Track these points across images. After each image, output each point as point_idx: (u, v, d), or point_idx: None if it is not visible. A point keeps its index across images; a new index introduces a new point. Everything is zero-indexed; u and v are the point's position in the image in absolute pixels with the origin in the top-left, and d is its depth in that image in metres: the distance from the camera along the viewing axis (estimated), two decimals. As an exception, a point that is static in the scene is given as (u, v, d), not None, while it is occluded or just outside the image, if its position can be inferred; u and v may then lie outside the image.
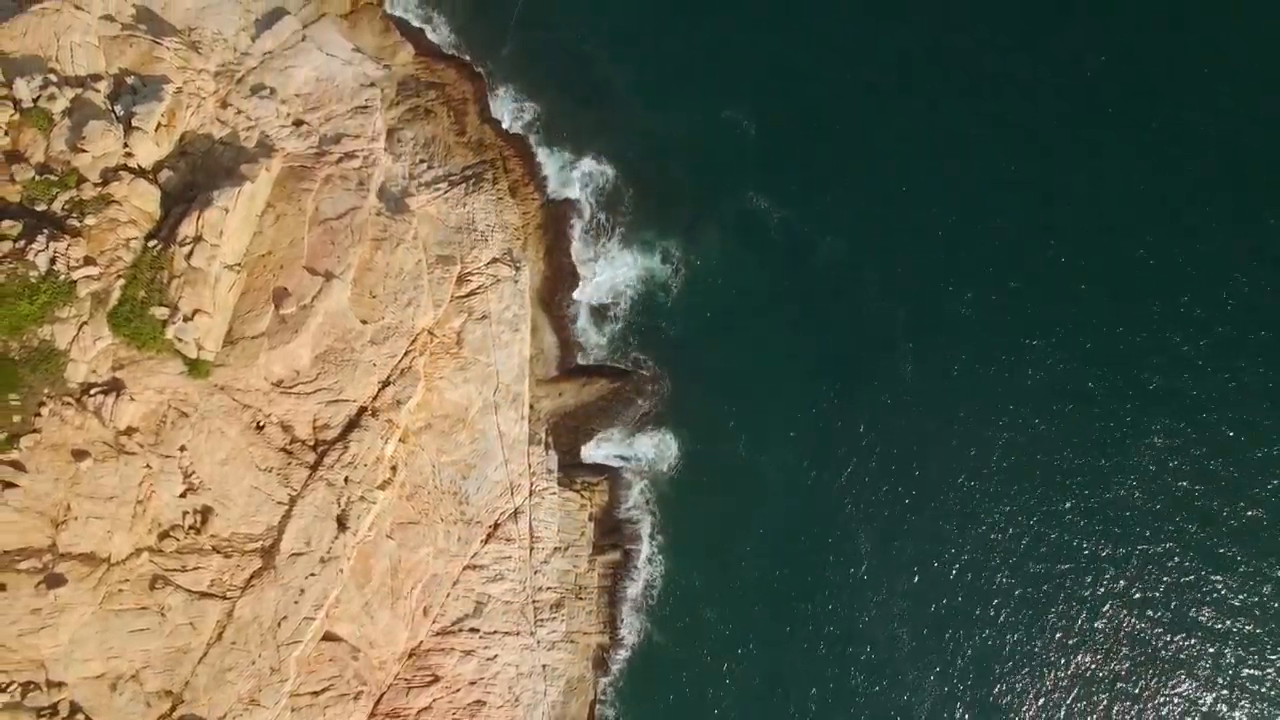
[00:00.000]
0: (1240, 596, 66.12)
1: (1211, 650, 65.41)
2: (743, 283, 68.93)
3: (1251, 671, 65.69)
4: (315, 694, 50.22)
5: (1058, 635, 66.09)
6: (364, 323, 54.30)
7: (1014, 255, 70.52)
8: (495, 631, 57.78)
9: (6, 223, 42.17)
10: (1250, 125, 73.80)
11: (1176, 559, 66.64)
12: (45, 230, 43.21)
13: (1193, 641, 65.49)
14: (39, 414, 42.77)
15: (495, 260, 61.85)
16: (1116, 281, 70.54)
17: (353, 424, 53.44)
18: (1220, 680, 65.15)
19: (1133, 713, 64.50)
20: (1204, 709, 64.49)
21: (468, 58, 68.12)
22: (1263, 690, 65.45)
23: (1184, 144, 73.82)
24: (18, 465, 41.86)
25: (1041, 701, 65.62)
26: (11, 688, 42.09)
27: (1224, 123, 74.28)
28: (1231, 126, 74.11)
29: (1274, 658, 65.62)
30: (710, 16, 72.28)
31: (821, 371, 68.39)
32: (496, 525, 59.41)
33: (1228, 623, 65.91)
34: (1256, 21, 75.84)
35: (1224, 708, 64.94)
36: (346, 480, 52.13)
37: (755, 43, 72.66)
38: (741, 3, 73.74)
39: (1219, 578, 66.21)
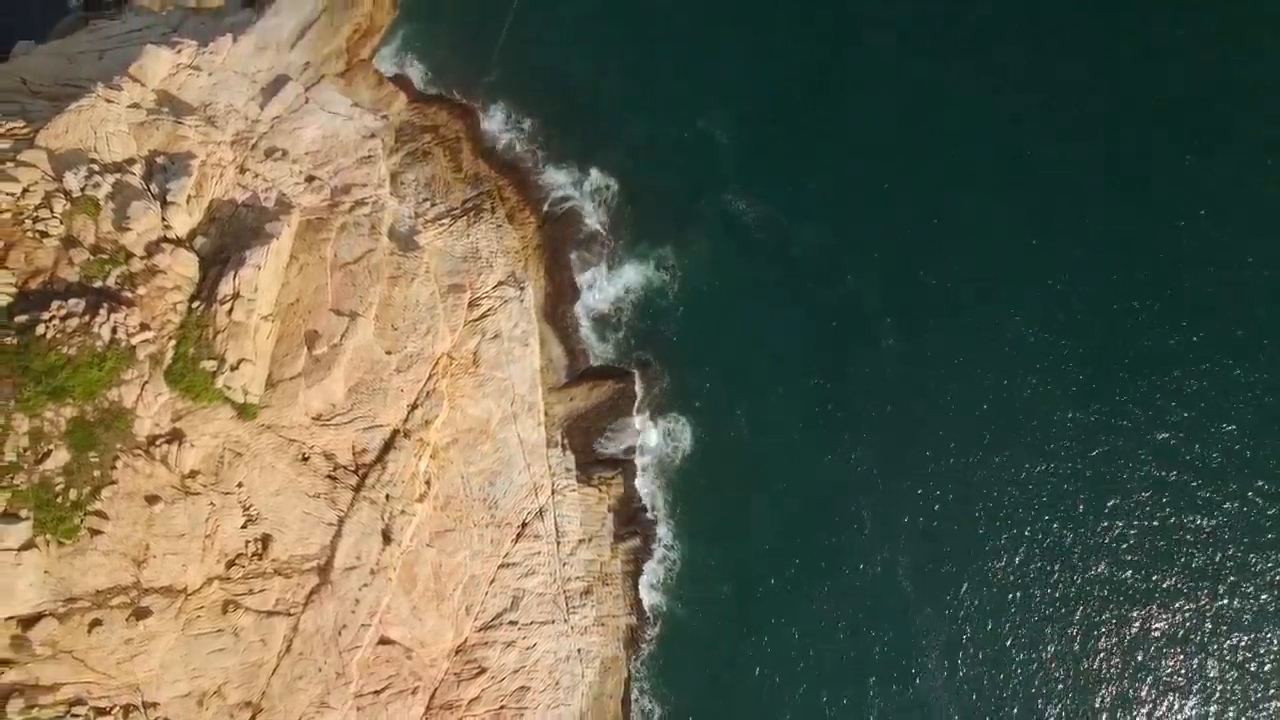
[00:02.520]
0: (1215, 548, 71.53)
1: (1203, 594, 69.96)
2: (731, 279, 73.59)
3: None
4: (376, 693, 54.84)
5: (1052, 580, 70.70)
6: (389, 354, 58.36)
7: (981, 229, 75.29)
8: (532, 622, 62.27)
9: (72, 301, 46.29)
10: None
11: (1162, 507, 71.29)
12: (105, 304, 47.22)
13: (1181, 583, 70.16)
14: (114, 467, 46.70)
15: (501, 283, 66.09)
16: (1080, 249, 75.52)
17: (388, 446, 57.41)
18: (1213, 636, 69.84)
19: (1130, 659, 69.29)
20: (1201, 674, 69.06)
21: (456, 96, 72.32)
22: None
23: (1153, 121, 78.57)
24: (101, 514, 45.85)
25: (1038, 640, 70.01)
26: (114, 710, 46.98)
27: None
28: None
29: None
30: (675, 36, 76.66)
31: (813, 354, 72.98)
32: (524, 525, 63.59)
33: (1211, 573, 70.61)
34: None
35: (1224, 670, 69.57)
36: (387, 498, 56.31)
37: (720, 54, 77.10)
38: (702, 18, 77.83)
39: (1204, 523, 70.69)
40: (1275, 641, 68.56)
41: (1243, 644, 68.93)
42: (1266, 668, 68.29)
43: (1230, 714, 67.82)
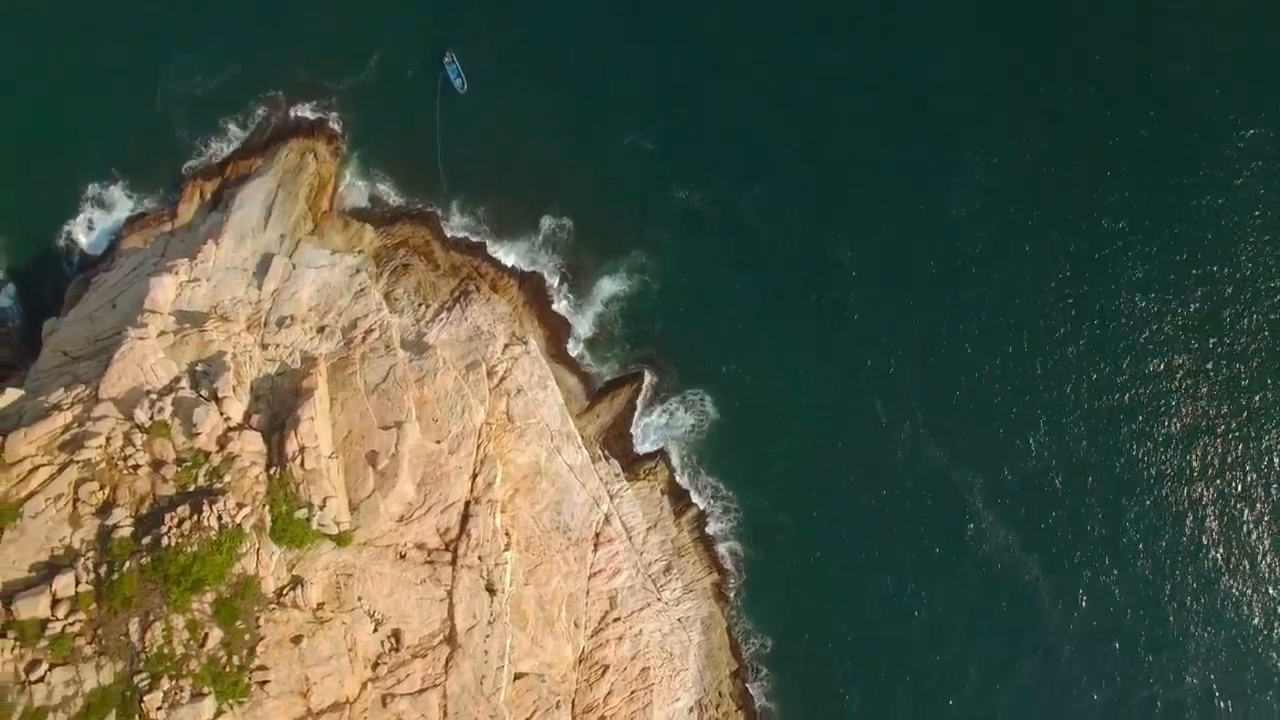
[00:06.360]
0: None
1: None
2: (698, 258, 78.90)
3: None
4: (529, 718, 62.60)
5: (1054, 410, 78.72)
6: (438, 443, 63.46)
7: (893, 162, 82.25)
8: (632, 613, 68.79)
9: (179, 509, 52.30)
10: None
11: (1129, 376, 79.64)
12: (204, 500, 53.20)
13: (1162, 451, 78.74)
14: (259, 625, 52.92)
15: (507, 345, 71.03)
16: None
17: (465, 517, 63.02)
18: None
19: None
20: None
21: (415, 206, 76.06)
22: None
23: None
24: (263, 667, 52.08)
25: (1068, 464, 77.89)
26: (329, 817, 54.28)
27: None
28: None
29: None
30: (577, 78, 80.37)
31: (789, 296, 79.61)
32: (597, 535, 69.64)
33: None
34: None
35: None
36: (479, 558, 61.92)
37: (623, 75, 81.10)
38: (595, 53, 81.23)
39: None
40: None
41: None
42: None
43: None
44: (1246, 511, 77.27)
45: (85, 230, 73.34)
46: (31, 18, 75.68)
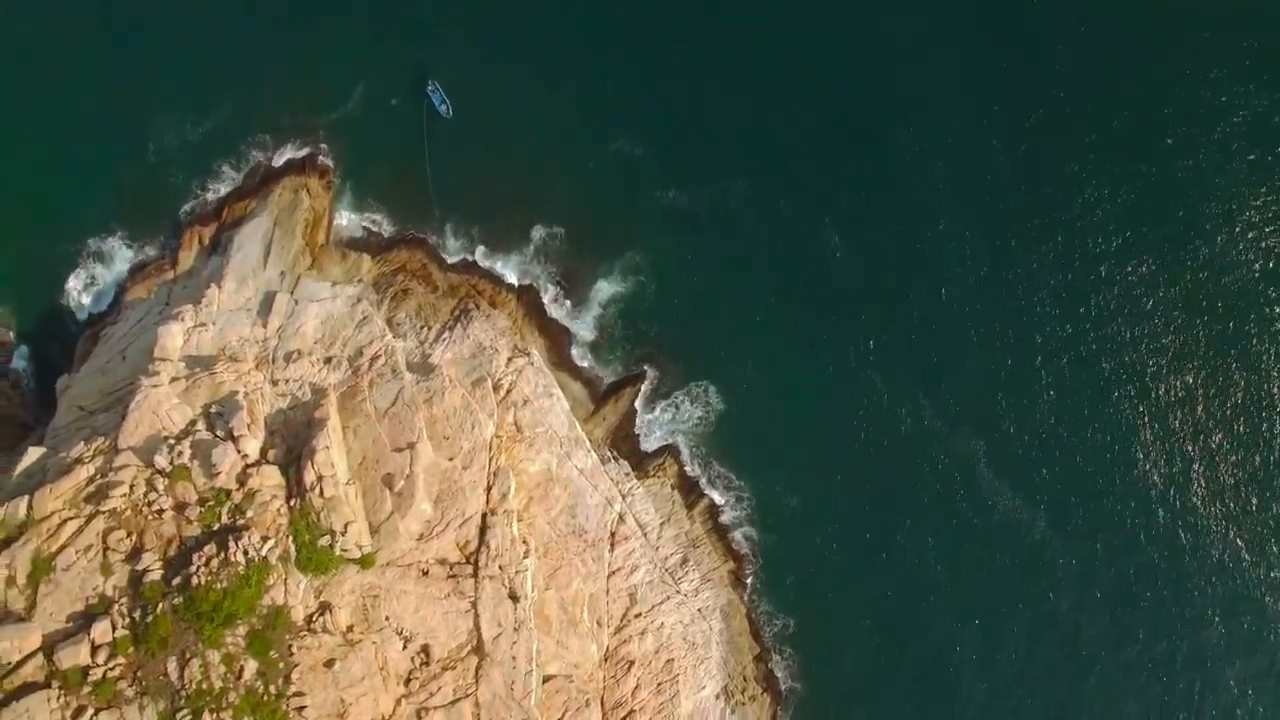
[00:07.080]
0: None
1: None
2: (691, 254, 79.61)
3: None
4: (560, 719, 64.23)
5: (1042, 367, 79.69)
6: (451, 460, 64.78)
7: (861, 143, 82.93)
8: (653, 607, 70.24)
9: (206, 549, 54.15)
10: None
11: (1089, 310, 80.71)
12: (229, 537, 55.00)
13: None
14: (292, 653, 54.67)
15: (510, 359, 72.17)
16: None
17: (484, 529, 64.50)
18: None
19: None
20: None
21: (409, 232, 76.86)
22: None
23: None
24: (299, 693, 53.92)
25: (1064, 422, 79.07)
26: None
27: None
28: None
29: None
30: (562, 91, 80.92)
31: (782, 284, 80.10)
32: (613, 534, 71.02)
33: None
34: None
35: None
36: (500, 568, 63.48)
37: (605, 85, 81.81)
38: (579, 66, 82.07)
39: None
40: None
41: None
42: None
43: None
44: (1257, 459, 77.99)
45: (88, 285, 74.36)
46: (19, 76, 76.92)
